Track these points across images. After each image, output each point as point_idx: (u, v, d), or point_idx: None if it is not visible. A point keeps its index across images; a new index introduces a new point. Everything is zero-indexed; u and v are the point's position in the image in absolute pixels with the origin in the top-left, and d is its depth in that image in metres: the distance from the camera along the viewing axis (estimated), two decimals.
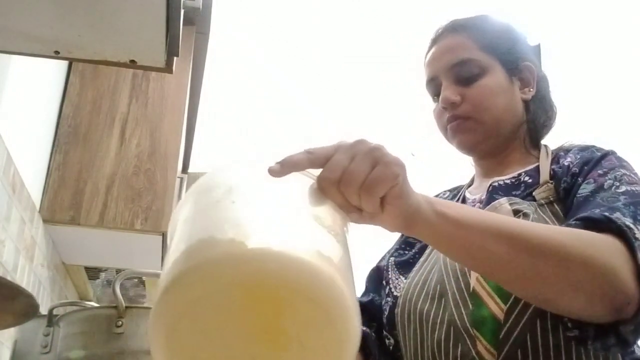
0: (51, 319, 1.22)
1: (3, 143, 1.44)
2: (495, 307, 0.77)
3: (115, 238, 2.06)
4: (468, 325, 0.78)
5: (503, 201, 0.85)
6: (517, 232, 0.66)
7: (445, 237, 0.64)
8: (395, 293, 0.91)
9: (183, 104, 2.25)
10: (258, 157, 0.56)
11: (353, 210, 0.56)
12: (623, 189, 0.76)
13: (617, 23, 3.82)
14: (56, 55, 1.16)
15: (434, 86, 0.96)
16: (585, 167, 0.83)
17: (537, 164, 0.91)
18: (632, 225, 0.69)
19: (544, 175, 0.87)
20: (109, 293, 1.92)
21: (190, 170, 3.45)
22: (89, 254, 2.26)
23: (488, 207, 0.86)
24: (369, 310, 0.96)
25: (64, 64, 2.08)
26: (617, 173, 0.79)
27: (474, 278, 0.80)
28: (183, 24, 1.16)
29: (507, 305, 0.76)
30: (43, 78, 1.88)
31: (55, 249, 2.15)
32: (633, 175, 0.80)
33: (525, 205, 0.83)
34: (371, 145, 0.57)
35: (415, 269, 0.90)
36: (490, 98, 0.91)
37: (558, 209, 0.82)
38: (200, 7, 2.21)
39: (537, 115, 0.96)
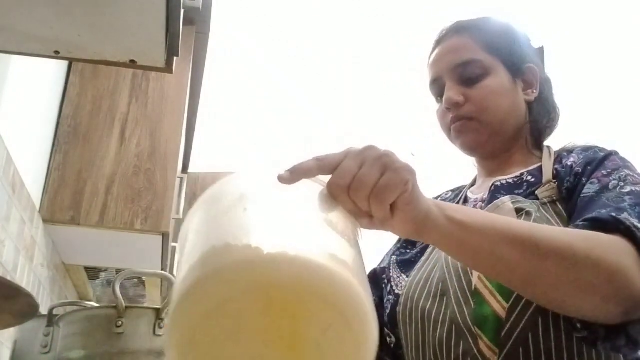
0: (51, 319, 1.22)
1: (3, 143, 1.44)
2: (497, 305, 0.77)
3: (115, 238, 2.06)
4: (470, 323, 0.78)
5: (505, 199, 0.85)
6: (526, 235, 0.66)
7: (456, 241, 0.64)
8: (397, 291, 0.91)
9: (183, 104, 2.25)
10: (268, 164, 0.56)
11: (363, 216, 0.56)
12: (628, 189, 0.77)
13: (619, 25, 3.82)
14: (56, 55, 1.16)
15: (438, 87, 0.97)
16: (589, 168, 0.83)
17: (539, 164, 0.92)
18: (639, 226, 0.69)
19: (547, 174, 0.88)
20: (109, 293, 1.92)
21: (190, 170, 3.45)
22: (89, 254, 2.26)
23: (490, 205, 0.87)
24: None
25: (64, 64, 2.08)
26: (622, 173, 0.80)
27: (475, 276, 0.80)
28: (183, 24, 1.16)
29: (509, 304, 0.76)
30: (43, 78, 1.88)
31: (55, 249, 2.15)
32: (637, 176, 0.80)
33: (527, 204, 0.83)
34: (381, 151, 0.56)
35: (417, 267, 0.91)
36: (493, 99, 0.92)
37: (561, 208, 0.82)
38: (200, 7, 2.21)
39: (539, 117, 0.96)
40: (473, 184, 1.03)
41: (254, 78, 4.23)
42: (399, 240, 1.03)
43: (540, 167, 0.91)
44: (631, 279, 0.66)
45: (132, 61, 1.19)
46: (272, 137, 4.32)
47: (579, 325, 0.70)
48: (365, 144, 0.57)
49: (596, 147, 0.88)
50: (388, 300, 0.94)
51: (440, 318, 0.81)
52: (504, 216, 0.79)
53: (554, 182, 0.86)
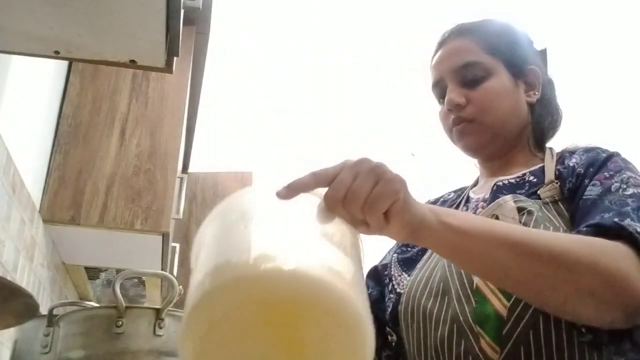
0: (51, 319, 1.22)
1: (3, 143, 1.44)
2: (499, 303, 0.77)
3: (115, 238, 2.06)
4: (471, 322, 0.78)
5: (508, 198, 0.86)
6: (522, 240, 0.67)
7: (450, 246, 0.66)
8: (398, 290, 0.92)
9: (183, 104, 2.25)
10: (268, 180, 0.61)
11: (360, 225, 0.59)
12: (630, 191, 0.77)
13: (620, 25, 3.82)
14: (56, 55, 1.16)
15: (440, 88, 0.97)
16: (591, 169, 0.83)
17: (541, 164, 0.92)
18: None
19: (549, 175, 0.88)
20: (109, 293, 1.92)
21: (190, 170, 3.45)
22: (89, 254, 2.26)
23: (492, 204, 0.87)
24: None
25: (64, 64, 2.08)
26: (624, 175, 0.80)
27: None
28: (183, 24, 1.16)
29: (511, 302, 0.76)
30: (43, 78, 1.88)
31: (55, 249, 2.15)
32: (639, 177, 0.81)
33: (529, 203, 0.83)
34: (373, 163, 0.59)
35: (418, 266, 0.91)
36: (494, 101, 0.92)
37: (563, 208, 0.83)
38: (200, 7, 2.21)
39: (541, 118, 0.97)
40: (475, 184, 1.03)
41: (254, 78, 4.23)
42: None
43: (542, 168, 0.91)
44: (632, 284, 0.66)
45: (132, 61, 1.19)
46: (272, 137, 4.32)
47: (583, 330, 0.71)
48: (359, 157, 0.60)
49: (598, 148, 0.89)
50: (389, 298, 0.94)
51: (442, 317, 0.82)
52: (502, 222, 0.80)
53: (557, 183, 0.86)
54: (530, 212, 0.81)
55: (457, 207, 1.00)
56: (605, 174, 0.81)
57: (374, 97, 4.34)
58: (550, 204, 0.83)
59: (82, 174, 2.01)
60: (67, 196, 1.96)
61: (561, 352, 0.74)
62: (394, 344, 0.93)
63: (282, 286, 0.46)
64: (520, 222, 0.81)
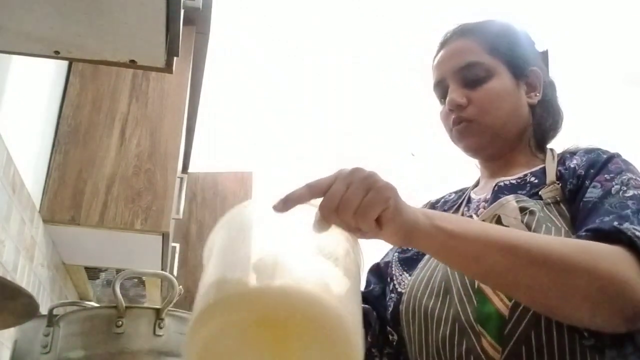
0: (51, 319, 1.22)
1: (3, 143, 1.44)
2: (500, 303, 0.77)
3: (115, 238, 2.06)
4: (473, 321, 0.78)
5: (510, 198, 0.86)
6: (517, 244, 0.67)
7: (444, 249, 0.67)
8: (399, 289, 0.92)
9: (183, 104, 2.25)
10: (267, 193, 0.64)
11: (355, 231, 0.62)
12: (630, 193, 0.77)
13: (620, 26, 3.82)
14: (56, 55, 1.16)
15: (441, 88, 0.97)
16: (592, 170, 0.83)
17: (542, 165, 0.92)
18: None
19: (551, 175, 0.88)
20: (109, 293, 1.92)
21: (190, 170, 3.45)
22: (89, 254, 2.26)
23: (494, 204, 0.87)
24: (368, 300, 0.99)
25: (64, 64, 2.08)
26: (624, 177, 0.80)
27: None
28: (183, 24, 1.16)
29: (512, 302, 0.76)
30: (43, 78, 1.88)
31: (55, 249, 2.15)
32: (639, 179, 0.81)
33: (531, 203, 0.83)
34: (365, 173, 0.62)
35: (420, 265, 0.91)
36: (496, 101, 0.92)
37: (564, 209, 0.83)
38: (200, 7, 2.21)
39: (542, 120, 0.97)
40: (476, 185, 1.03)
41: (254, 78, 4.23)
42: None
43: (543, 169, 0.91)
44: (629, 289, 0.66)
45: (132, 61, 1.19)
46: (272, 137, 4.32)
47: (586, 334, 0.71)
48: (352, 167, 0.63)
49: (599, 149, 0.89)
50: (390, 298, 0.94)
51: (443, 316, 0.82)
52: (497, 225, 0.81)
53: (558, 184, 0.86)
54: (532, 212, 0.82)
55: (458, 208, 1.00)
56: (606, 175, 0.81)
57: (374, 97, 4.34)
58: (552, 204, 0.84)
59: (82, 174, 2.00)
60: (67, 196, 1.96)
61: (563, 352, 0.74)
62: (394, 343, 0.93)
63: (268, 303, 0.49)
64: (522, 222, 0.81)
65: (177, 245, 2.77)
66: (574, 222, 0.80)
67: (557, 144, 1.00)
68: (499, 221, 0.84)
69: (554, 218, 0.81)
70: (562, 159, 0.91)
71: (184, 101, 2.27)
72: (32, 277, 1.81)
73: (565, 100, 1.02)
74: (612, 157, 0.85)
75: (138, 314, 1.16)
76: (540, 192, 0.86)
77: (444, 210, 1.02)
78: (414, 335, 0.86)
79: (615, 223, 0.72)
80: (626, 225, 0.71)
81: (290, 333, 0.51)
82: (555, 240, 0.73)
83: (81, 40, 1.12)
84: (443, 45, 0.99)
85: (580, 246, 0.69)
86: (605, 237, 0.71)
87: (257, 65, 4.18)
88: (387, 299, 0.96)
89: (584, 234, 0.73)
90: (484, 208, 0.91)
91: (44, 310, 1.25)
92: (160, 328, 1.14)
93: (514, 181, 0.92)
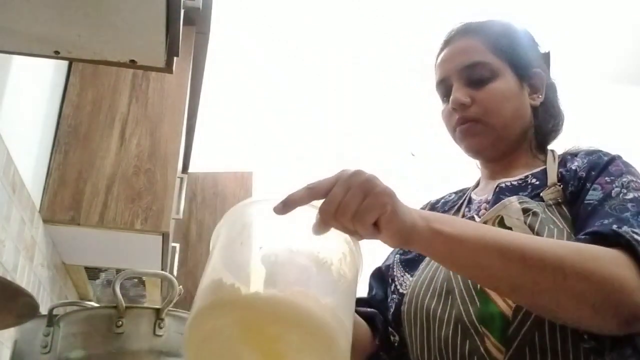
0: (51, 319, 1.22)
1: (3, 143, 1.44)
2: (503, 304, 0.77)
3: (115, 238, 2.06)
4: (476, 322, 0.78)
5: (513, 199, 0.86)
6: (514, 247, 0.68)
7: (441, 252, 0.68)
8: (401, 290, 0.92)
9: (183, 104, 2.25)
10: (268, 193, 0.64)
11: (354, 234, 0.63)
12: (630, 195, 0.77)
13: (622, 26, 3.82)
14: (56, 55, 1.16)
15: (445, 87, 0.97)
16: (593, 172, 0.83)
17: (543, 167, 0.92)
18: None
19: (552, 177, 0.88)
20: (109, 293, 1.92)
21: (190, 170, 3.44)
22: (89, 254, 2.26)
23: (497, 205, 0.87)
24: (371, 304, 0.99)
25: (64, 64, 2.08)
26: (624, 180, 0.80)
27: None
28: (183, 24, 1.15)
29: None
30: (43, 78, 1.88)
31: (55, 249, 2.15)
32: (639, 181, 0.81)
33: (534, 205, 0.83)
34: (364, 177, 0.63)
35: (421, 266, 0.91)
36: (500, 102, 0.92)
37: (566, 210, 0.83)
38: (200, 7, 2.20)
39: (544, 121, 0.97)
40: (477, 185, 1.03)
41: (254, 78, 4.23)
42: None
43: (545, 170, 0.91)
44: (626, 291, 0.66)
45: (132, 61, 1.18)
46: (272, 137, 4.32)
47: (586, 337, 0.71)
48: (353, 170, 0.64)
49: (600, 151, 0.89)
50: (392, 299, 0.94)
51: (446, 317, 0.82)
52: (494, 227, 0.81)
53: (559, 185, 0.86)
54: (535, 214, 0.82)
55: (458, 209, 1.00)
56: (607, 178, 0.81)
57: (374, 98, 4.34)
58: (553, 206, 0.84)
59: (82, 174, 2.00)
60: (67, 196, 1.96)
61: (566, 353, 0.74)
62: (396, 344, 0.93)
63: (258, 310, 0.52)
64: (525, 223, 0.81)
65: (177, 245, 2.77)
66: (576, 224, 0.80)
67: (557, 144, 1.00)
68: (501, 222, 0.84)
69: (555, 219, 0.81)
70: (563, 160, 0.91)
71: (184, 101, 2.27)
72: (32, 277, 1.81)
73: (565, 100, 1.02)
74: (613, 159, 0.85)
75: (138, 314, 1.16)
76: (541, 194, 0.86)
77: (444, 211, 1.02)
78: (416, 336, 0.86)
79: (614, 226, 0.72)
80: (625, 228, 0.71)
81: (281, 337, 0.53)
82: (553, 243, 0.73)
83: (81, 40, 1.12)
84: (447, 43, 0.98)
85: (579, 249, 0.69)
86: (604, 241, 0.71)
87: (257, 66, 4.18)
88: (389, 300, 0.96)
89: (583, 237, 0.74)
90: (486, 209, 0.91)
91: (44, 310, 1.25)
92: (160, 328, 1.14)
93: (515, 182, 0.92)
